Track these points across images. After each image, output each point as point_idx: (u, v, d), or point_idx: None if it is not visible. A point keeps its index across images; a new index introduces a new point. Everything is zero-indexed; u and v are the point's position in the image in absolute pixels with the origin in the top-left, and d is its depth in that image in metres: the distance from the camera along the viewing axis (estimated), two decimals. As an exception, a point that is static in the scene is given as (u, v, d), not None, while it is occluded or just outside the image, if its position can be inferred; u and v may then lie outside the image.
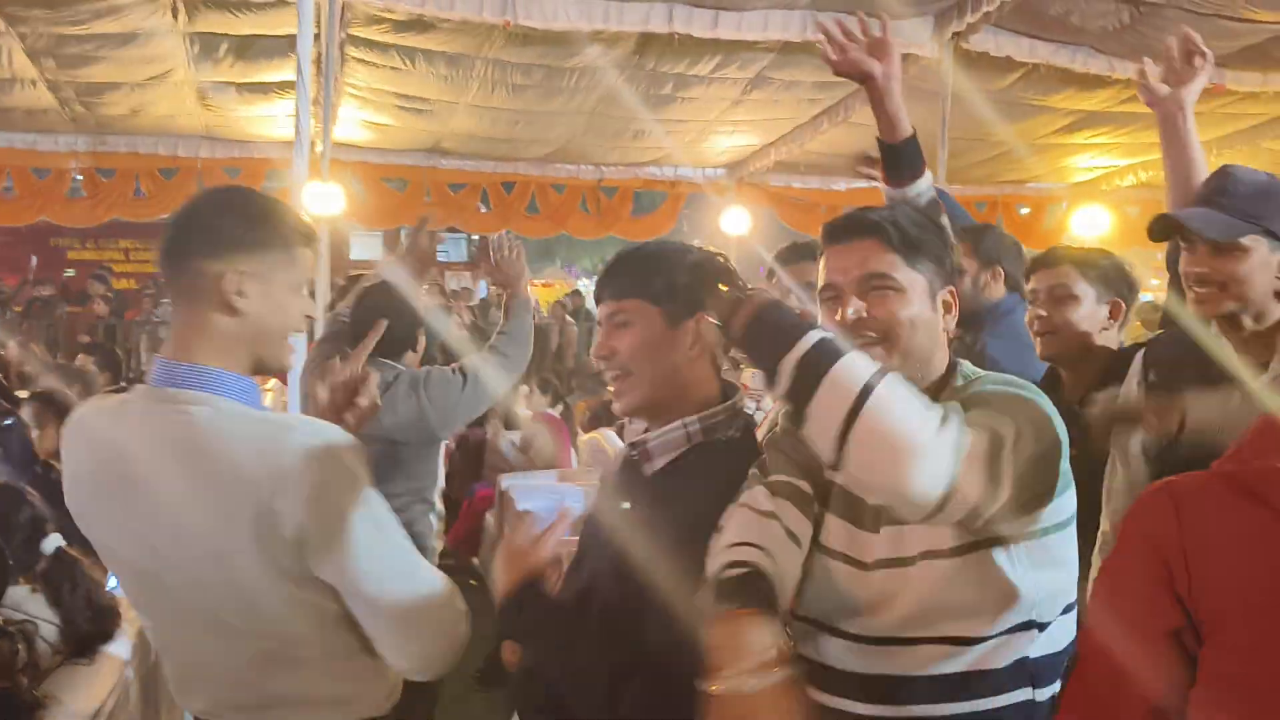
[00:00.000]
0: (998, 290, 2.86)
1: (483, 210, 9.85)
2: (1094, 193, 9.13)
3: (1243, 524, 1.20)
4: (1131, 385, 2.28)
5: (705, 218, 11.34)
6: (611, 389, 1.79)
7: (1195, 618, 1.20)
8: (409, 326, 3.22)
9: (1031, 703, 1.51)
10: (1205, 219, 2.00)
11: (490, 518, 5.44)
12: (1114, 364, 2.47)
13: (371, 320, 3.32)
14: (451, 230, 12.10)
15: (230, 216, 1.69)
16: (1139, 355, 2.30)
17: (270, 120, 7.90)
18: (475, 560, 5.57)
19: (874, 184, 2.36)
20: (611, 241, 10.60)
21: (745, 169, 9.53)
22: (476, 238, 14.78)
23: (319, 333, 4.66)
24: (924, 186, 2.18)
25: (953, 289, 1.64)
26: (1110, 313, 2.54)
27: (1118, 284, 2.53)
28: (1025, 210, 10.69)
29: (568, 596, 1.78)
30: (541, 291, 17.97)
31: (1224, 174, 2.06)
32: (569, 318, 12.55)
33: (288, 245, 1.69)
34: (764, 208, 9.97)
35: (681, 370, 1.73)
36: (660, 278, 1.73)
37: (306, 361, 3.32)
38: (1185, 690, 1.21)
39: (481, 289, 14.43)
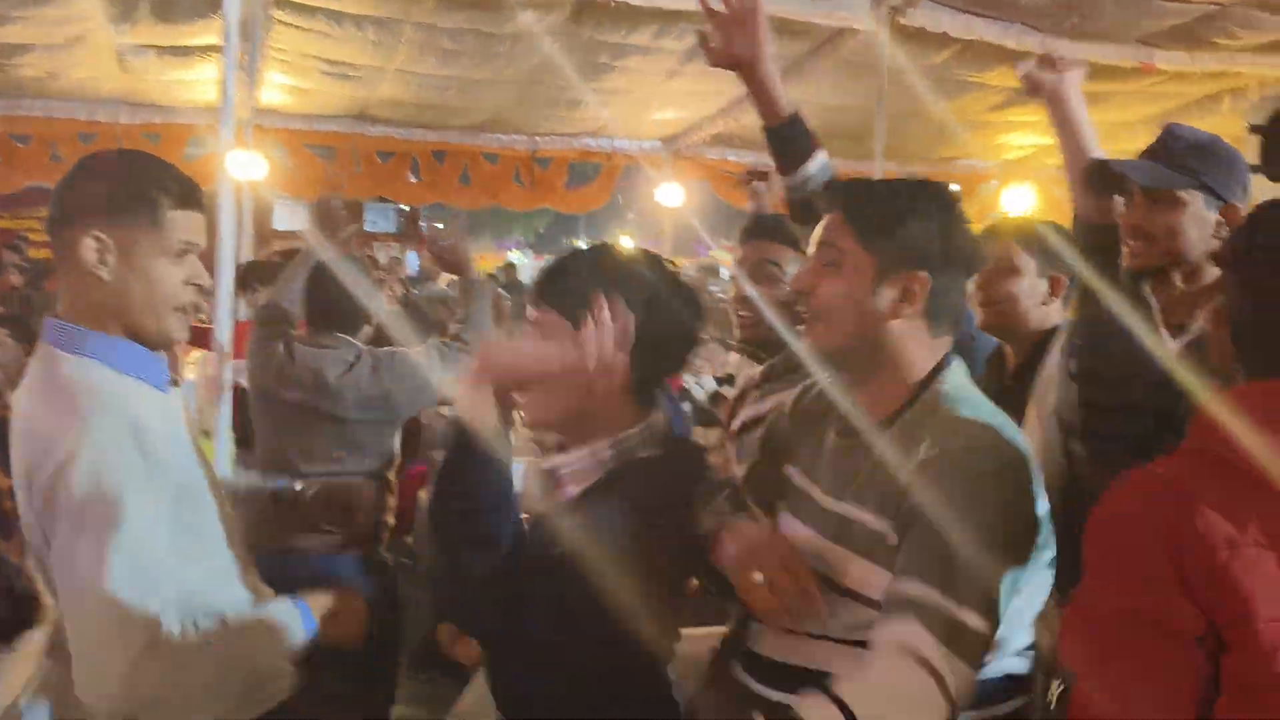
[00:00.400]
0: None
1: (413, 180, 9.67)
2: (1024, 171, 9.23)
3: (1251, 513, 1.13)
4: (1054, 358, 2.29)
5: (641, 191, 11.28)
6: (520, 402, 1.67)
7: (1216, 621, 1.12)
8: (362, 301, 3.17)
9: None
10: (1142, 167, 2.01)
11: (424, 495, 5.35)
12: (1049, 340, 2.48)
13: (327, 301, 3.30)
14: (380, 200, 11.86)
15: (88, 181, 1.63)
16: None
17: (193, 85, 7.65)
18: (409, 539, 5.49)
19: None
20: (543, 213, 10.50)
21: (682, 142, 9.47)
22: (407, 208, 14.53)
23: (243, 313, 4.56)
24: (815, 168, 2.08)
25: (918, 274, 1.55)
26: (1051, 288, 2.54)
27: (1060, 258, 2.52)
28: (956, 188, 10.75)
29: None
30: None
31: (1167, 130, 2.08)
32: (503, 291, 12.41)
33: (153, 208, 1.60)
34: (700, 181, 9.93)
35: (594, 393, 1.61)
36: (578, 293, 1.62)
37: (250, 344, 3.23)
38: (1211, 700, 1.13)
39: (412, 261, 14.21)
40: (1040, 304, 2.52)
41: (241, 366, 3.26)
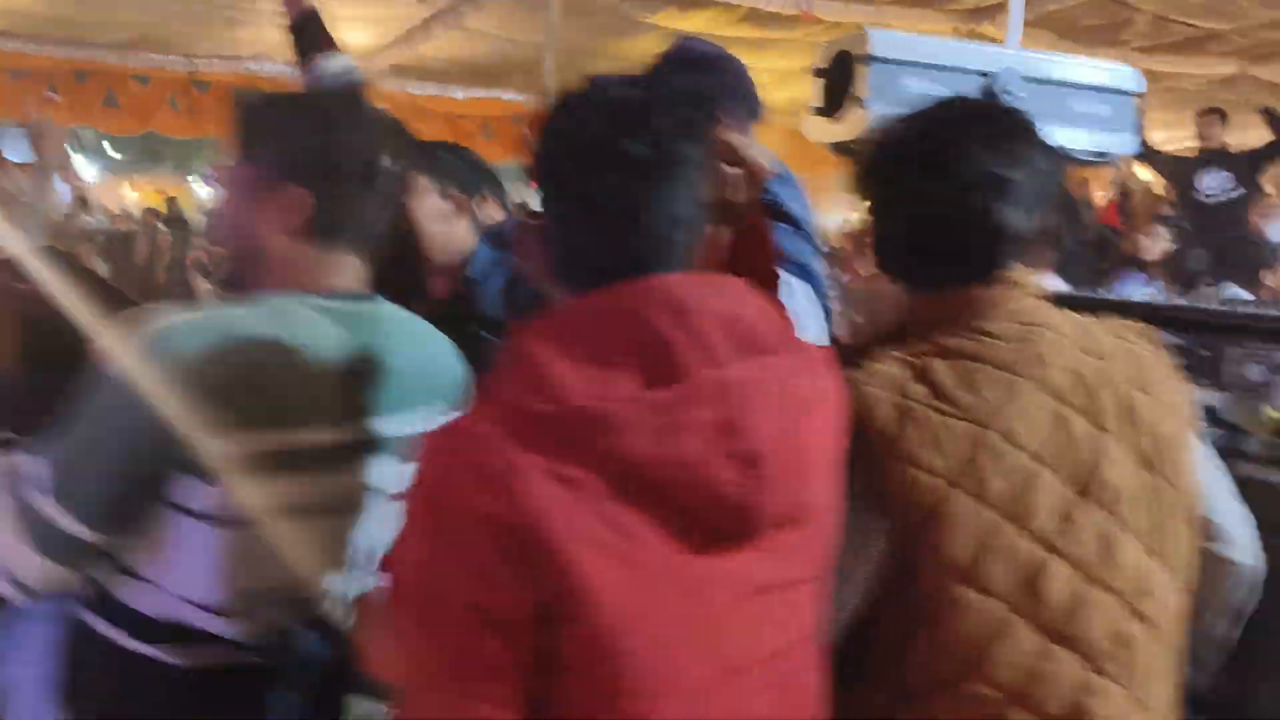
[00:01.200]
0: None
1: (55, 100, 8.70)
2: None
3: (576, 480, 0.98)
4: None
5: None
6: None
7: (553, 597, 0.96)
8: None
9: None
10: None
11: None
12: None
13: None
14: (18, 124, 10.63)
15: None
16: None
17: None
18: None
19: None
20: (210, 144, 9.78)
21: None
22: (52, 133, 13.12)
23: None
24: (337, 66, 2.26)
25: (296, 189, 1.46)
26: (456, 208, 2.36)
27: (455, 178, 2.38)
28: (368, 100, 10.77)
29: None
30: (149, 196, 16.39)
31: (679, 41, 2.08)
32: (161, 225, 11.49)
33: None
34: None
35: None
36: None
37: None
38: (551, 684, 0.99)
39: (64, 192, 12.88)
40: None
41: None
